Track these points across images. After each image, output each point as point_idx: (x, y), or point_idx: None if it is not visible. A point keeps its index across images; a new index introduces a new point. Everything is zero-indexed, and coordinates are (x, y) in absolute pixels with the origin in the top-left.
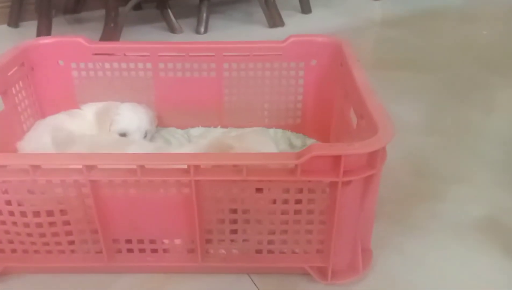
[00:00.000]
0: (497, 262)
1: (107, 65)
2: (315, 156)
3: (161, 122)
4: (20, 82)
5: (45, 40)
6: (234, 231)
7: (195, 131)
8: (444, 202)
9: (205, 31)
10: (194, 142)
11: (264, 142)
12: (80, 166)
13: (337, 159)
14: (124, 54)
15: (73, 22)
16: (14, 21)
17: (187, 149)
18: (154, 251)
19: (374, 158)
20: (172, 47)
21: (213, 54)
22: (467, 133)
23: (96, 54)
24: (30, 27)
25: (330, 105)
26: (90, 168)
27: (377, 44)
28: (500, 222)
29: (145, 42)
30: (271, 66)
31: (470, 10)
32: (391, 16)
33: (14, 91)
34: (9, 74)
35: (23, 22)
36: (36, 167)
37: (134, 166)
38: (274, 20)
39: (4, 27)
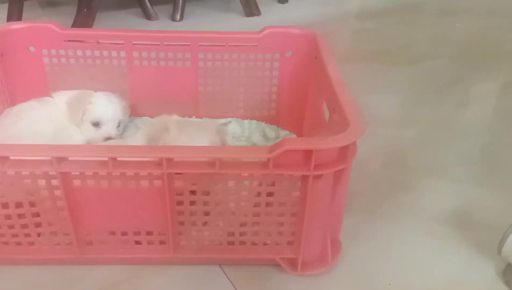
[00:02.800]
0: (466, 254)
1: (79, 52)
2: (287, 150)
3: (134, 112)
4: None
5: (16, 26)
6: (206, 223)
7: None
8: (415, 194)
9: (181, 18)
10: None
11: (199, 137)
12: (49, 158)
13: (308, 153)
14: (98, 42)
15: (45, 6)
16: None
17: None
18: (126, 242)
19: (345, 153)
20: (147, 35)
21: (189, 43)
22: (441, 127)
23: (68, 40)
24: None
25: (304, 98)
26: (60, 160)
27: (353, 36)
28: (470, 214)
29: (119, 29)
30: (247, 57)
31: (448, 3)
32: (369, 7)
33: None
34: None
35: None
36: (5, 159)
37: (106, 158)
38: (251, 9)
39: None
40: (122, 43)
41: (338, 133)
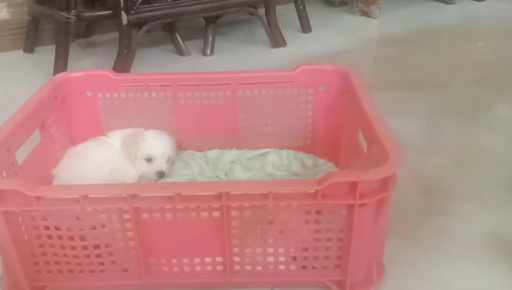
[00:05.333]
0: (503, 277)
1: (130, 95)
2: (334, 182)
3: (180, 146)
4: (54, 114)
5: (75, 74)
6: (259, 249)
7: (212, 153)
8: (452, 219)
9: (211, 53)
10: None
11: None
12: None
13: (353, 184)
14: (147, 85)
15: (86, 47)
16: (30, 47)
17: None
18: (187, 268)
19: (386, 183)
20: (191, 77)
21: (229, 83)
22: (470, 153)
23: (120, 85)
24: (44, 52)
25: (338, 128)
26: (133, 196)
27: (375, 64)
28: (505, 239)
29: (165, 73)
30: (283, 92)
31: (466, 27)
32: (389, 34)
33: (49, 122)
34: (46, 108)
35: (37, 47)
36: (85, 197)
37: (172, 194)
38: (277, 40)
39: (20, 52)
40: (169, 85)
41: (378, 165)
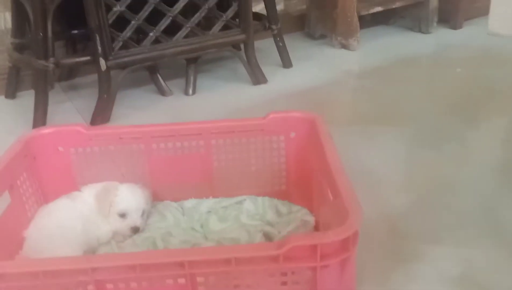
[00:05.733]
0: None
1: (103, 148)
2: (294, 246)
3: (156, 196)
4: (24, 173)
5: (46, 130)
6: None
7: (188, 203)
8: (423, 262)
9: (194, 92)
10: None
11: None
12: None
13: (313, 247)
14: (120, 138)
15: (68, 89)
16: (11, 93)
17: None
18: None
19: (347, 242)
20: (163, 129)
21: (201, 133)
22: (442, 188)
23: (93, 139)
24: (26, 96)
25: (310, 173)
26: (94, 269)
27: (352, 96)
28: (476, 280)
29: (138, 125)
30: (255, 140)
31: (442, 55)
32: (367, 66)
33: (19, 183)
34: (14, 168)
35: (20, 92)
36: (45, 272)
37: (135, 264)
38: (257, 78)
39: (2, 98)
40: (141, 137)
41: (340, 222)
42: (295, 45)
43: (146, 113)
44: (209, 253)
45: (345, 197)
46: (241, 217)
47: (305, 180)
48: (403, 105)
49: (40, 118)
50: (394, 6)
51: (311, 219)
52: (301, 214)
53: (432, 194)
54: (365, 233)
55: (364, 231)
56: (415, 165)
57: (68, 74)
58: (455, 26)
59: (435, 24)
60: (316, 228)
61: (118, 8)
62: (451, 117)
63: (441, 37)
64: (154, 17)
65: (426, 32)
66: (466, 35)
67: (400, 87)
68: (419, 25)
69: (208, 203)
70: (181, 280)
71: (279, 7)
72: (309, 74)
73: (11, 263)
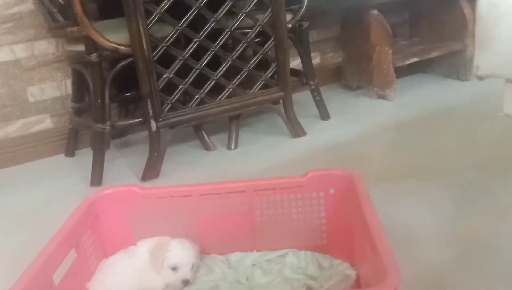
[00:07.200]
0: None
1: (156, 206)
2: None
3: (204, 250)
4: (88, 231)
5: (107, 191)
6: None
7: (234, 257)
8: None
9: (236, 146)
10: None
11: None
12: None
13: None
14: (171, 196)
15: (121, 146)
16: (71, 151)
17: None
18: None
19: None
20: (210, 188)
21: (245, 190)
22: (478, 246)
23: (147, 198)
24: (84, 155)
25: (350, 228)
26: None
27: (389, 150)
28: None
29: (187, 185)
30: (295, 196)
31: (481, 103)
32: (404, 117)
33: (83, 239)
34: (80, 227)
35: (78, 150)
36: None
37: None
38: (296, 131)
39: (62, 157)
40: (190, 195)
41: (378, 282)
42: (333, 96)
43: (192, 168)
44: None
45: (383, 255)
46: (284, 271)
47: (346, 235)
48: (440, 159)
49: (97, 175)
50: (429, 56)
51: (352, 273)
52: (343, 268)
53: (471, 252)
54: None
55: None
56: (453, 223)
57: (121, 132)
58: None
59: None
60: (358, 282)
61: (167, 75)
62: (490, 171)
63: (480, 84)
64: (199, 79)
65: (465, 79)
66: None
67: (437, 139)
68: (457, 73)
69: (252, 257)
70: None
71: (316, 61)
72: (346, 126)
73: None
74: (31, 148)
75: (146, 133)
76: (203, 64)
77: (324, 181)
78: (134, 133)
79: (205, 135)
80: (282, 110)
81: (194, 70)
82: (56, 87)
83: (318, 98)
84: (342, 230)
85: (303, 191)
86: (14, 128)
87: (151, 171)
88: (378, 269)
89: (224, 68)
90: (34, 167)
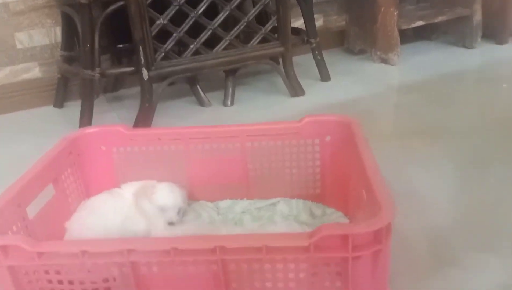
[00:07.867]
0: None
1: (143, 148)
2: (325, 235)
3: (193, 196)
4: (68, 169)
5: (90, 130)
6: None
7: (224, 203)
8: (463, 269)
9: (232, 103)
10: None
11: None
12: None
13: (345, 237)
14: (159, 139)
15: (112, 100)
16: (59, 102)
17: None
18: None
19: (380, 235)
20: (200, 131)
21: (237, 135)
22: (486, 205)
23: (133, 139)
24: (73, 107)
25: (346, 177)
26: (130, 251)
27: (393, 111)
28: None
29: (176, 127)
30: (290, 143)
31: (488, 70)
32: (408, 81)
33: (63, 177)
34: (59, 163)
35: (67, 102)
36: (84, 252)
37: (168, 248)
38: (296, 90)
39: (50, 108)
40: (179, 139)
41: (372, 216)
42: (334, 60)
43: (185, 122)
44: (240, 240)
45: (378, 192)
46: (274, 218)
47: (340, 184)
48: (445, 121)
49: (85, 124)
50: (436, 21)
51: (345, 221)
52: (336, 217)
53: (478, 210)
54: (402, 244)
55: (401, 241)
56: (461, 183)
57: (113, 86)
58: (501, 41)
59: (479, 39)
60: None
61: (161, 21)
62: (497, 135)
63: (486, 52)
64: (195, 30)
65: (470, 47)
66: None
67: (443, 102)
68: (463, 40)
69: (242, 204)
70: (213, 267)
71: (319, 23)
72: (347, 87)
73: (52, 243)
74: (19, 96)
75: (138, 88)
76: (200, 11)
77: (320, 127)
78: (127, 88)
79: (200, 90)
80: (282, 69)
81: (189, 18)
82: (45, 34)
83: (319, 58)
84: (337, 179)
85: (298, 138)
86: (1, 75)
87: (141, 122)
88: (373, 206)
89: (222, 18)
90: (22, 116)
